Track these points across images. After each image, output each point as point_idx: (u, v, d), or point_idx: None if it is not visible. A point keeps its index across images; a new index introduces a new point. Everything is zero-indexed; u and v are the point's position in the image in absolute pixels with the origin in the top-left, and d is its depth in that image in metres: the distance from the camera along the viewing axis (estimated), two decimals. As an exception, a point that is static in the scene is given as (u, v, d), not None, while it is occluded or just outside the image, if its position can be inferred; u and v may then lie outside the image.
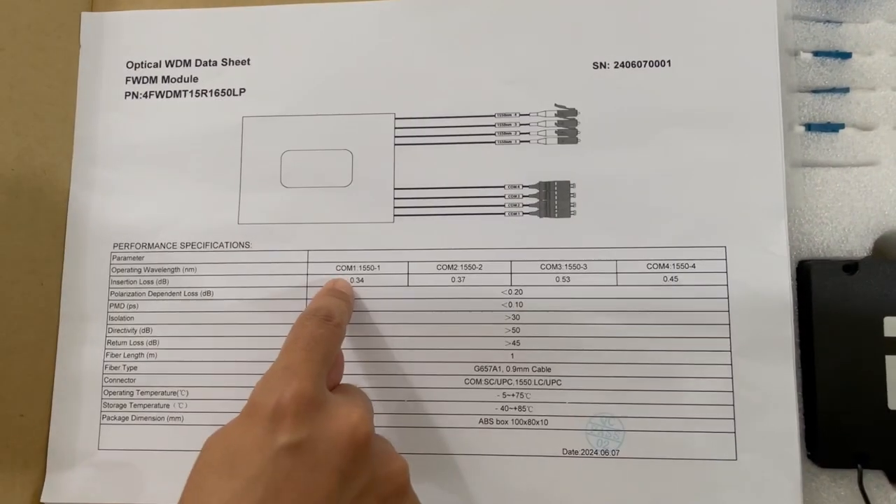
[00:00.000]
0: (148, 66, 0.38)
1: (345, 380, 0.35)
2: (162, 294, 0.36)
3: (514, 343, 0.34)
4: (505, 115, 0.36)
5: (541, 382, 0.34)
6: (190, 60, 0.38)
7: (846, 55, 0.36)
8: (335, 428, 0.26)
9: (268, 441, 0.25)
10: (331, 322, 0.30)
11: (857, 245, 0.35)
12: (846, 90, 0.36)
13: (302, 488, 0.24)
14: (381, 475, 0.27)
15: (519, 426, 0.34)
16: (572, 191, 0.35)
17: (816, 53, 0.36)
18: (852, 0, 0.36)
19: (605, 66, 0.36)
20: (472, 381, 0.34)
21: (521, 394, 0.34)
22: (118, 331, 0.36)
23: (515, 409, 0.34)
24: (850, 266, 0.34)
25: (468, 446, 0.34)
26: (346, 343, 0.35)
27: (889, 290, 0.33)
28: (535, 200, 0.35)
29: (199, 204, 0.37)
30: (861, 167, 0.35)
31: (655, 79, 0.35)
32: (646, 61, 0.36)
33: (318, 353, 0.28)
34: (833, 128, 0.36)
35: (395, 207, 0.36)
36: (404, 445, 0.34)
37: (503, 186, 0.36)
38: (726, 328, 0.33)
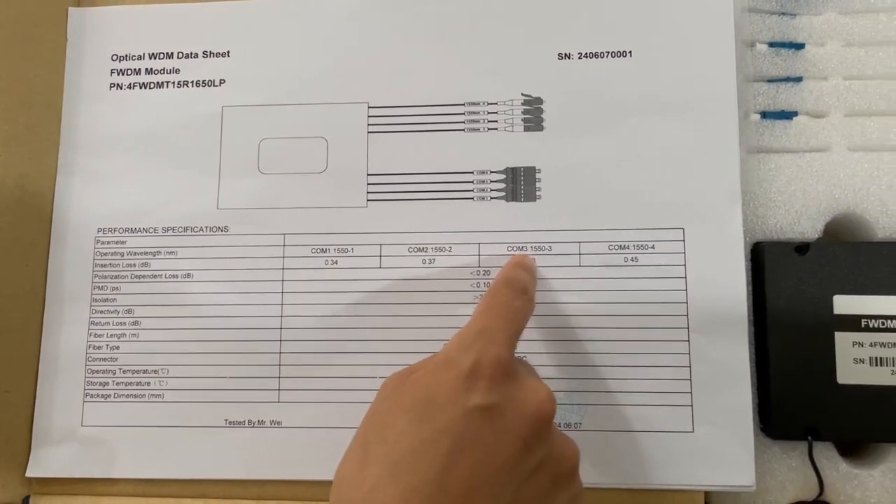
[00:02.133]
0: (132, 58, 0.40)
1: (316, 358, 0.36)
2: (144, 277, 0.38)
3: (481, 322, 0.36)
4: (474, 104, 0.37)
5: (507, 359, 0.35)
6: (172, 53, 0.40)
7: (800, 46, 0.38)
8: (525, 399, 0.26)
9: (461, 398, 0.25)
10: (526, 295, 0.30)
11: (808, 227, 0.36)
12: (799, 79, 0.37)
13: (486, 450, 0.25)
14: (557, 454, 0.27)
15: (485, 401, 0.35)
16: (538, 176, 0.37)
17: (771, 44, 0.38)
18: (806, -6, 0.38)
19: (569, 57, 0.37)
20: (442, 359, 0.36)
21: (488, 370, 0.35)
22: (101, 312, 0.37)
23: (482, 384, 0.35)
24: (802, 247, 0.35)
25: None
26: (318, 323, 0.36)
27: (839, 269, 0.35)
28: (502, 185, 0.37)
29: (180, 190, 0.38)
30: (813, 153, 0.37)
31: (617, 69, 0.37)
32: (608, 52, 0.37)
33: (514, 324, 0.28)
34: (787, 115, 0.37)
35: (368, 193, 0.37)
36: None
37: (472, 172, 0.37)
38: (684, 306, 0.35)
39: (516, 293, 0.30)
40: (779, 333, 0.35)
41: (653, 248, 0.35)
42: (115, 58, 0.40)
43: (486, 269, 0.36)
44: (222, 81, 0.39)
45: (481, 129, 0.37)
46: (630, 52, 0.37)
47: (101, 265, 0.38)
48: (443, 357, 0.27)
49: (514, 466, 0.25)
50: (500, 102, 0.37)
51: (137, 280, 0.38)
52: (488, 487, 0.24)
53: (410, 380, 0.27)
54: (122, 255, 0.38)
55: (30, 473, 0.36)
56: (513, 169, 0.37)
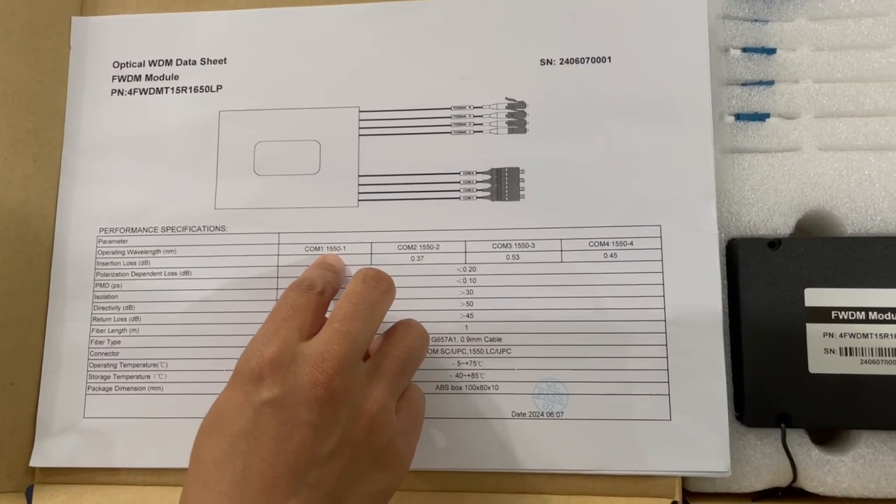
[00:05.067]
0: (132, 65, 0.41)
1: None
2: (144, 274, 0.39)
3: (468, 316, 0.37)
4: (460, 107, 0.39)
5: (492, 351, 0.37)
6: (171, 60, 0.41)
7: (772, 51, 0.39)
8: (301, 386, 0.28)
9: (246, 401, 0.28)
10: (312, 291, 0.32)
11: (780, 223, 0.38)
12: (772, 83, 0.39)
13: (278, 441, 0.27)
14: (352, 427, 0.29)
15: (472, 391, 0.37)
16: (521, 176, 0.38)
17: (745, 49, 0.39)
18: (777, 0, 0.40)
19: (551, 63, 0.39)
20: (430, 351, 0.37)
21: (475, 362, 0.37)
22: (103, 308, 0.39)
23: (469, 375, 0.37)
24: (775, 243, 0.37)
25: (426, 410, 0.36)
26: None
27: (809, 264, 0.36)
28: (487, 186, 0.38)
29: (179, 191, 0.40)
30: (785, 153, 0.38)
31: (597, 74, 0.39)
32: (588, 58, 0.39)
33: (296, 321, 0.30)
34: (760, 117, 0.39)
35: (359, 193, 0.39)
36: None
37: (458, 173, 0.39)
38: (661, 300, 0.36)
39: (301, 292, 0.31)
40: (752, 325, 0.36)
41: (631, 244, 0.37)
42: (116, 65, 0.41)
43: (473, 265, 0.38)
44: (219, 87, 0.41)
45: (467, 132, 0.39)
46: (609, 57, 0.39)
47: (103, 263, 0.39)
48: (233, 372, 0.30)
49: (308, 450, 0.27)
50: (486, 106, 0.39)
51: (138, 277, 0.39)
52: (289, 474, 0.27)
53: (212, 404, 0.30)
54: (123, 254, 0.39)
55: (33, 463, 0.38)
56: (497, 170, 0.38)
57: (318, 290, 0.32)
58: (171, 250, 0.39)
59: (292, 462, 0.27)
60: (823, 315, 0.36)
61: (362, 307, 0.31)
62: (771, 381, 0.36)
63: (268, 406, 0.28)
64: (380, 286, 0.32)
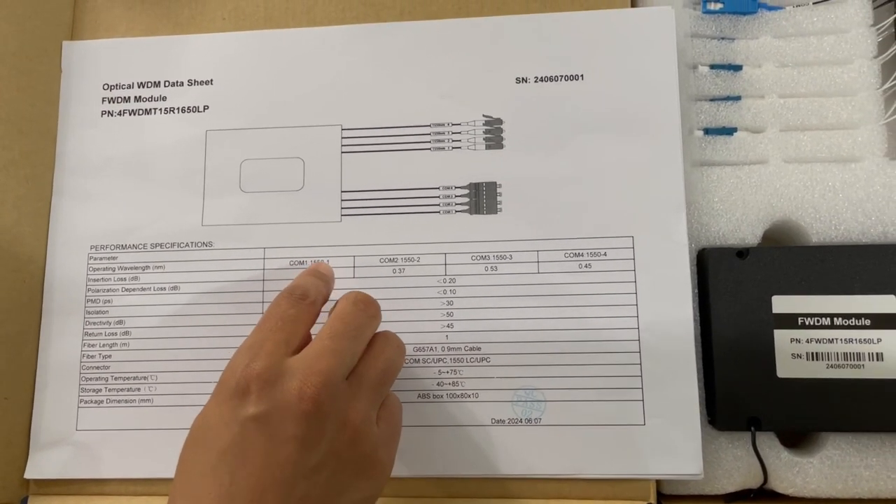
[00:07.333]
0: (122, 87, 0.43)
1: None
2: (134, 290, 0.40)
3: (448, 326, 0.39)
4: (439, 125, 0.40)
5: (472, 360, 0.38)
6: (159, 82, 0.42)
7: (738, 68, 0.41)
8: (288, 401, 0.28)
9: (232, 416, 0.28)
10: (304, 301, 0.32)
11: (748, 234, 0.39)
12: (738, 98, 0.40)
13: (265, 456, 0.28)
14: (338, 438, 0.29)
15: (453, 399, 0.38)
16: (499, 191, 0.40)
17: (712, 66, 0.41)
18: (743, 19, 0.41)
19: (526, 81, 0.40)
20: (412, 361, 0.38)
21: (455, 370, 0.38)
22: (94, 323, 0.40)
23: (450, 384, 0.38)
24: (743, 252, 0.38)
25: (408, 419, 0.37)
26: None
27: (777, 272, 0.37)
28: (466, 200, 0.40)
29: (168, 208, 0.41)
30: (752, 165, 0.40)
31: (571, 91, 0.40)
32: (562, 76, 0.40)
33: (283, 333, 0.30)
34: (727, 131, 0.40)
35: (342, 208, 0.40)
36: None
37: (438, 188, 0.40)
38: (634, 308, 0.38)
39: (293, 301, 0.32)
40: (723, 332, 0.37)
41: (605, 255, 0.38)
42: (106, 87, 0.43)
43: (452, 277, 0.39)
44: (206, 107, 0.42)
45: (446, 148, 0.40)
46: (582, 75, 0.40)
47: (94, 279, 0.40)
48: (218, 384, 0.30)
49: (295, 463, 0.28)
50: (464, 123, 0.40)
51: (128, 293, 0.40)
52: (276, 487, 0.27)
53: (197, 416, 0.30)
54: (114, 270, 0.40)
55: (28, 475, 0.39)
56: (475, 184, 0.40)
57: (311, 301, 0.32)
58: (160, 266, 0.40)
59: (279, 476, 0.27)
60: (790, 321, 0.37)
61: (352, 327, 0.31)
62: (741, 385, 0.37)
63: (254, 421, 0.28)
64: (368, 310, 0.33)
